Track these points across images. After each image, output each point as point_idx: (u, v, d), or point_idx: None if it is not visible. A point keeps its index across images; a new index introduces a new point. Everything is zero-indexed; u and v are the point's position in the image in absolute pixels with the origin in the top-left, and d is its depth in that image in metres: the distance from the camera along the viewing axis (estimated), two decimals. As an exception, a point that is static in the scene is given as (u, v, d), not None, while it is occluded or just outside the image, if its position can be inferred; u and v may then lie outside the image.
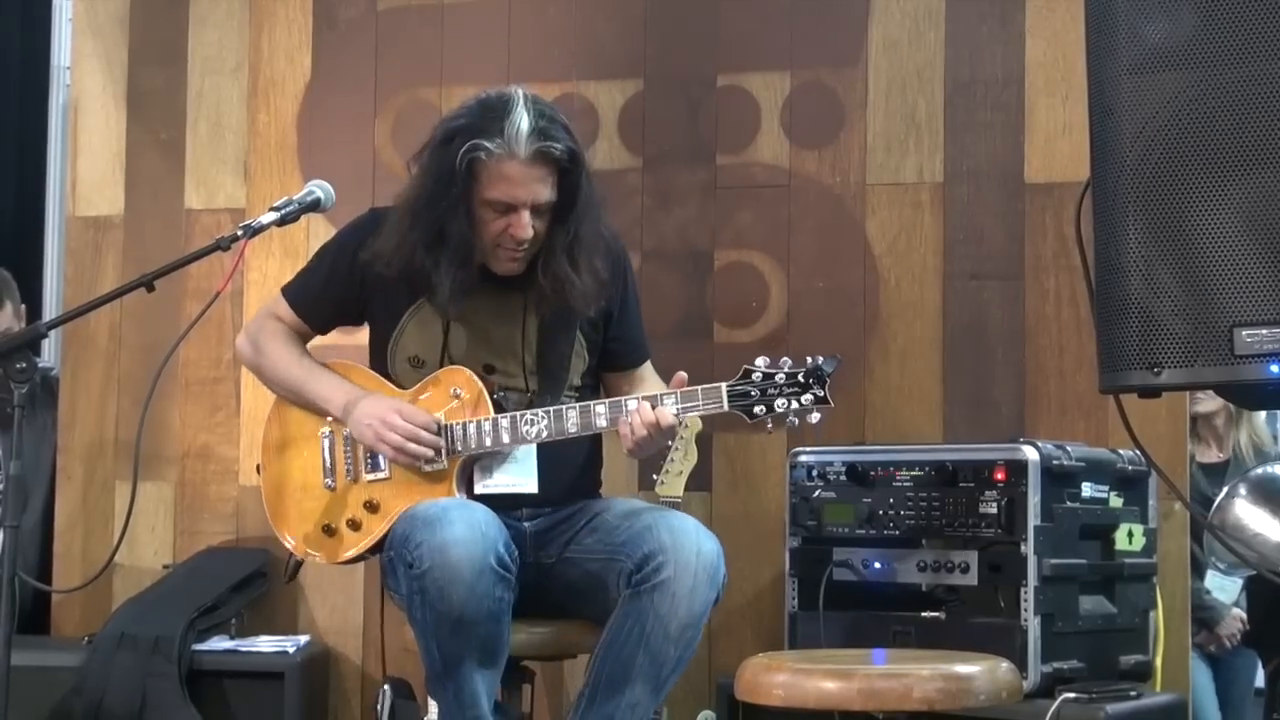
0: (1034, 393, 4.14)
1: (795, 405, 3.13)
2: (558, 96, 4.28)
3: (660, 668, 3.14)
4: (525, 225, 3.31)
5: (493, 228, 3.33)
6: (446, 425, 3.38)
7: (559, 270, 3.36)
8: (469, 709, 3.17)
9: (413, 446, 3.36)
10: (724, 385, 3.16)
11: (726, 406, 3.16)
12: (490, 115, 3.27)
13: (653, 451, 3.34)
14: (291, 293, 3.66)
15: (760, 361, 3.16)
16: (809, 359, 3.14)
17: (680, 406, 3.21)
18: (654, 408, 3.21)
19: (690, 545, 3.15)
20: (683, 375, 3.25)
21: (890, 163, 4.29)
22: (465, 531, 3.08)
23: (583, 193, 3.36)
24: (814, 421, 3.13)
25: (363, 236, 3.48)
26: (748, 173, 4.39)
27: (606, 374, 3.62)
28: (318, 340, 3.76)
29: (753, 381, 3.15)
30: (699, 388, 3.19)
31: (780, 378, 3.15)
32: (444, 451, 3.37)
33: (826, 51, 4.35)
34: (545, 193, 3.31)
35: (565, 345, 3.47)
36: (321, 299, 3.61)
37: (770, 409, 3.14)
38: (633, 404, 3.24)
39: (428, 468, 3.38)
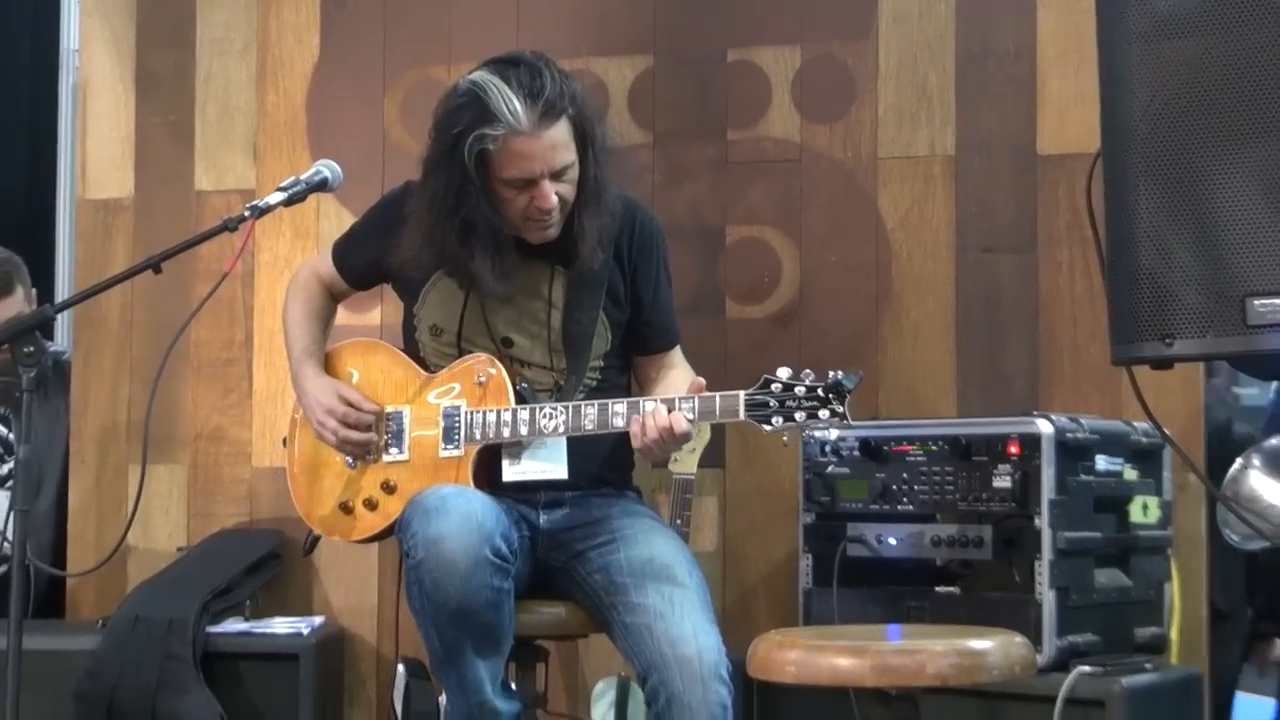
0: (1048, 366, 4.12)
1: (811, 419, 3.09)
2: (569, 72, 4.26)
3: None
4: (548, 195, 3.28)
5: (517, 204, 3.31)
6: (466, 412, 3.36)
7: (579, 225, 3.35)
8: (473, 694, 3.16)
9: (346, 448, 3.46)
10: (742, 394, 3.12)
11: (743, 416, 3.13)
12: (476, 106, 3.23)
13: (663, 456, 3.30)
14: (335, 247, 3.72)
15: (782, 373, 3.11)
16: (830, 374, 3.09)
17: (696, 414, 3.18)
18: (670, 412, 3.17)
19: (690, 652, 3.09)
20: (701, 381, 3.22)
21: (902, 136, 4.27)
22: (460, 523, 3.07)
23: (596, 135, 3.33)
24: (832, 438, 3.11)
25: (404, 200, 3.48)
26: (759, 148, 4.37)
27: (636, 356, 3.60)
28: (337, 319, 3.80)
29: (772, 393, 3.10)
30: (717, 395, 3.16)
31: (800, 390, 3.09)
32: (460, 433, 3.36)
33: (837, 24, 4.32)
34: (562, 156, 3.28)
35: (589, 320, 3.45)
36: (357, 253, 3.64)
37: (788, 420, 3.10)
38: (649, 406, 3.21)
39: (444, 451, 3.37)
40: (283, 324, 3.71)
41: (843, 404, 3.07)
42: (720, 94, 4.40)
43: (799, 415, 3.08)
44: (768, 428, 3.11)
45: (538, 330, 3.45)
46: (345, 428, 3.45)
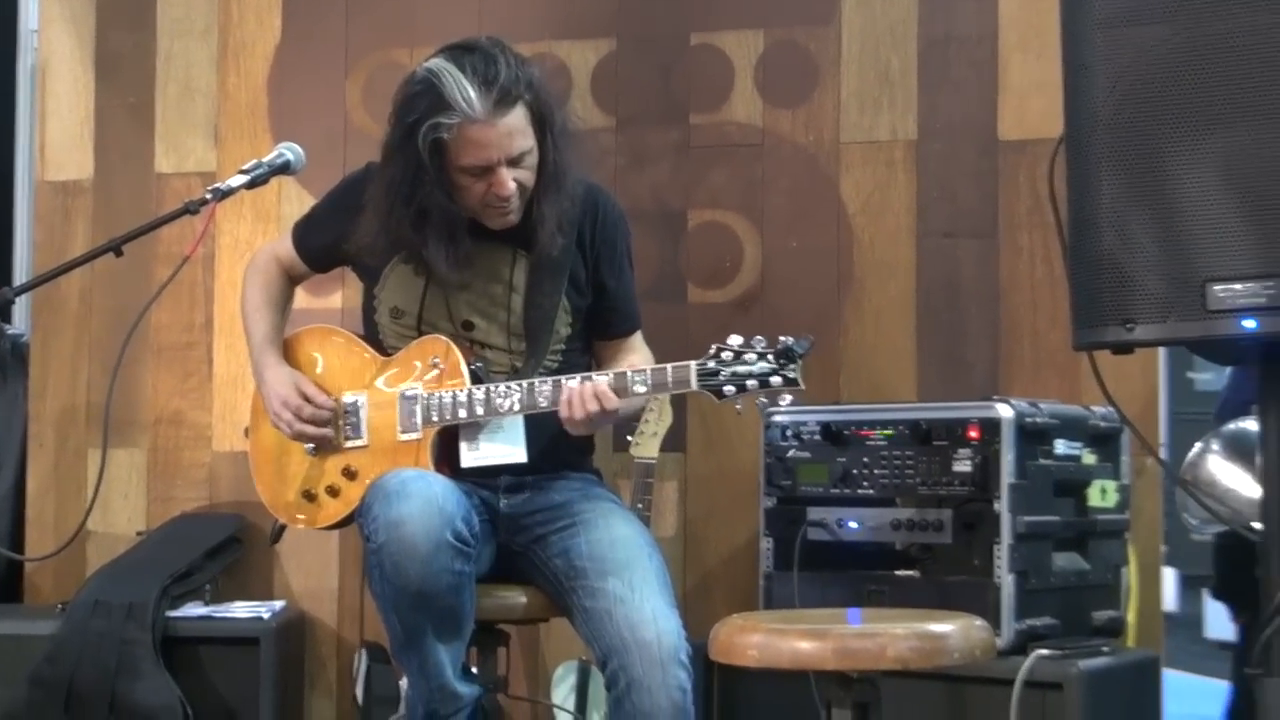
0: (1008, 350, 4.14)
1: (764, 386, 3.09)
2: (529, 57, 4.24)
3: None
4: (505, 182, 3.28)
5: (474, 191, 3.31)
6: (423, 395, 3.36)
7: (539, 211, 3.34)
8: (433, 678, 3.16)
9: (303, 439, 3.44)
10: (693, 364, 3.11)
11: (695, 386, 3.11)
12: (431, 94, 3.22)
13: (590, 430, 3.28)
14: (295, 226, 3.70)
15: (732, 340, 3.09)
16: (780, 339, 3.07)
17: (649, 386, 3.18)
18: (601, 385, 3.18)
19: (650, 637, 3.09)
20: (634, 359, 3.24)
21: (864, 121, 4.28)
22: (421, 507, 3.06)
23: (555, 119, 3.32)
24: (784, 404, 3.10)
25: (365, 183, 3.46)
26: (721, 132, 4.37)
27: (596, 341, 3.59)
28: (296, 303, 3.77)
29: (723, 361, 3.09)
30: (668, 366, 3.14)
31: (751, 358, 3.07)
32: (418, 416, 3.36)
33: (799, 9, 4.33)
34: (519, 143, 3.27)
35: (551, 305, 3.44)
36: (317, 235, 3.62)
37: (740, 389, 3.09)
38: (574, 382, 3.21)
39: (403, 435, 3.37)
40: (241, 309, 3.69)
41: (794, 369, 3.06)
42: (683, 78, 4.41)
43: (751, 383, 3.08)
44: (720, 398, 3.09)
45: (498, 314, 3.44)
46: (300, 421, 3.44)
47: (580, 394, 3.19)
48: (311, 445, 3.49)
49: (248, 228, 4.60)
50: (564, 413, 3.21)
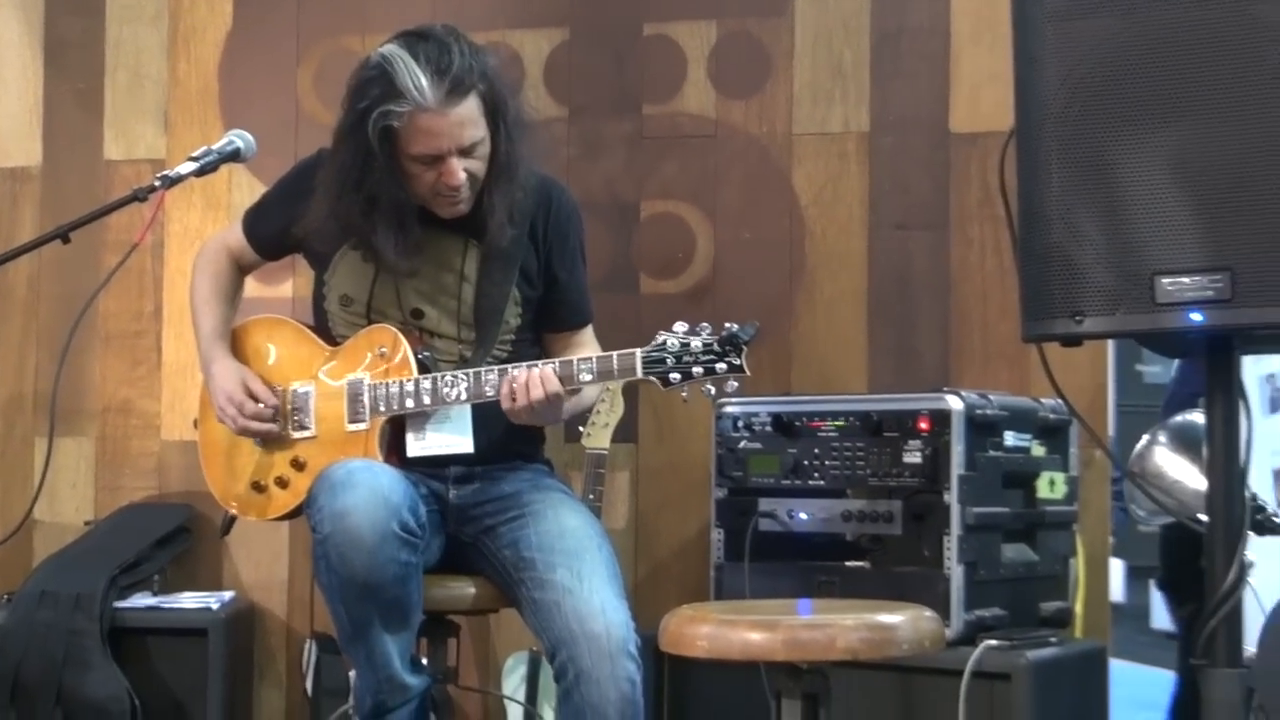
0: (958, 342, 4.15)
1: (709, 373, 3.08)
2: (481, 45, 4.23)
3: None
4: (455, 172, 3.26)
5: (425, 179, 3.29)
6: (369, 385, 3.34)
7: (489, 201, 3.33)
8: (381, 669, 3.15)
9: (248, 434, 3.43)
10: (639, 352, 3.10)
11: (641, 374, 3.10)
12: (383, 81, 3.20)
13: (533, 421, 3.26)
14: (246, 214, 3.67)
15: (678, 327, 3.09)
16: (726, 326, 3.07)
17: (595, 374, 3.17)
18: (546, 371, 3.17)
19: (598, 629, 3.09)
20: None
21: (816, 113, 4.28)
22: (366, 497, 3.04)
23: (508, 109, 3.31)
24: (730, 390, 3.09)
25: (316, 169, 3.43)
26: (674, 123, 4.37)
27: (546, 334, 3.58)
28: (247, 292, 3.76)
29: (668, 349, 3.08)
30: (614, 354, 3.14)
31: (696, 345, 3.07)
32: (365, 406, 3.35)
33: (753, 1, 4.33)
34: (470, 133, 3.25)
35: (501, 295, 3.42)
36: (268, 222, 3.59)
37: (686, 376, 3.09)
38: (520, 371, 3.20)
39: (350, 426, 3.35)
40: (190, 301, 3.66)
41: (739, 355, 3.05)
42: (636, 68, 4.40)
43: (697, 370, 3.07)
44: (667, 385, 3.09)
45: (448, 302, 3.43)
46: (243, 417, 3.42)
47: (524, 381, 3.18)
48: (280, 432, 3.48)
49: (197, 215, 4.58)
50: (505, 403, 3.21)
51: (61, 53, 4.72)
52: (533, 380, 3.17)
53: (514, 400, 3.18)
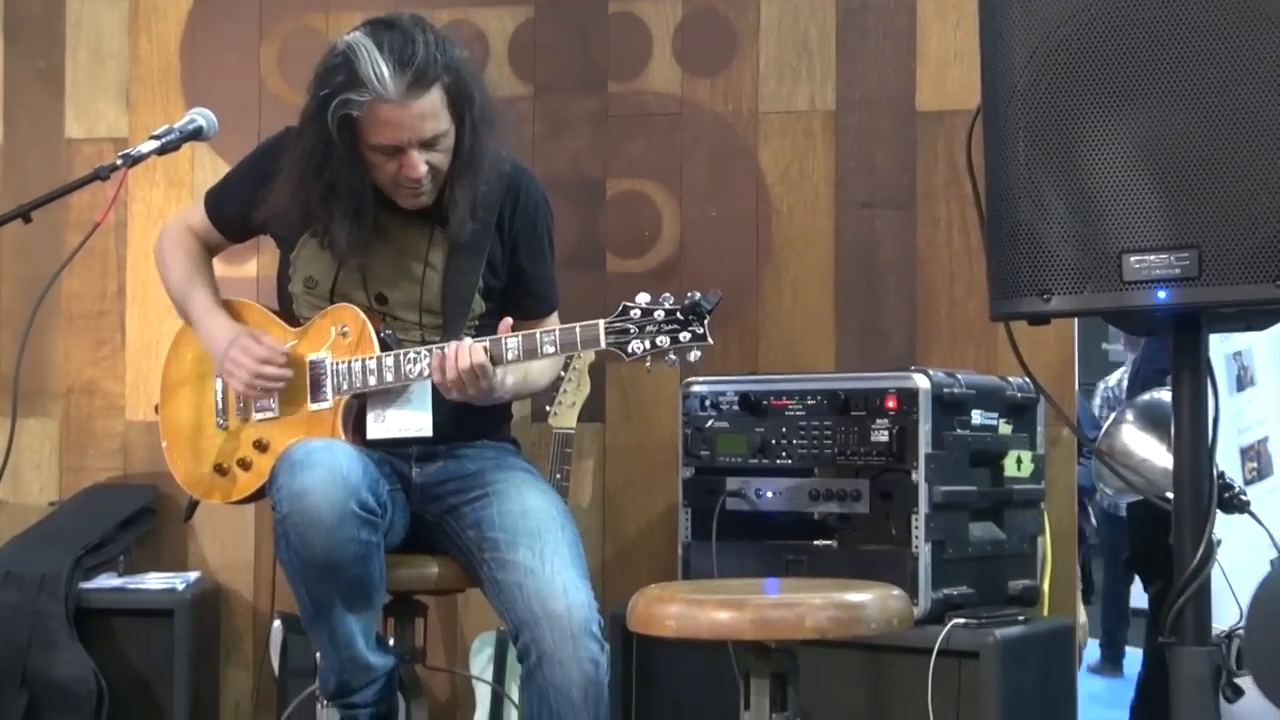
0: (925, 321, 4.15)
1: (673, 342, 3.08)
2: (446, 23, 4.22)
3: None
4: (415, 164, 3.24)
5: (386, 170, 3.27)
6: (332, 364, 3.33)
7: (451, 195, 3.31)
8: (344, 649, 3.15)
9: (259, 382, 3.35)
10: (601, 322, 3.09)
11: (604, 344, 3.09)
12: (346, 69, 3.17)
13: (468, 399, 3.22)
14: (208, 198, 3.64)
15: (641, 298, 3.08)
16: (689, 295, 3.06)
17: (559, 346, 3.16)
18: (475, 347, 3.15)
19: (560, 609, 3.09)
20: (507, 322, 3.21)
21: (782, 90, 4.27)
22: (325, 477, 3.03)
23: (474, 102, 3.28)
24: (693, 359, 3.08)
25: (281, 149, 3.41)
26: (639, 101, 4.36)
27: (511, 320, 3.56)
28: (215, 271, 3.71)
29: (631, 319, 3.07)
30: (577, 325, 3.13)
31: (659, 314, 3.06)
32: (328, 385, 3.33)
33: (718, -23, 4.32)
34: (432, 125, 3.23)
35: (469, 285, 3.40)
36: (232, 203, 3.56)
37: (650, 346, 3.07)
38: (450, 346, 3.18)
39: (314, 405, 3.33)
40: (169, 287, 3.61)
41: (702, 324, 3.05)
42: (601, 46, 4.38)
43: (660, 339, 3.07)
44: (629, 355, 3.07)
45: (412, 289, 3.41)
46: (271, 380, 3.36)
47: (452, 352, 3.16)
48: (223, 419, 3.46)
49: (160, 194, 4.54)
50: (436, 376, 3.19)
51: (21, 30, 4.68)
52: (461, 352, 3.16)
53: (444, 374, 3.17)
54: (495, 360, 3.17)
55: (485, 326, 3.43)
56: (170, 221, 3.74)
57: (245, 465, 3.42)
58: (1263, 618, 2.53)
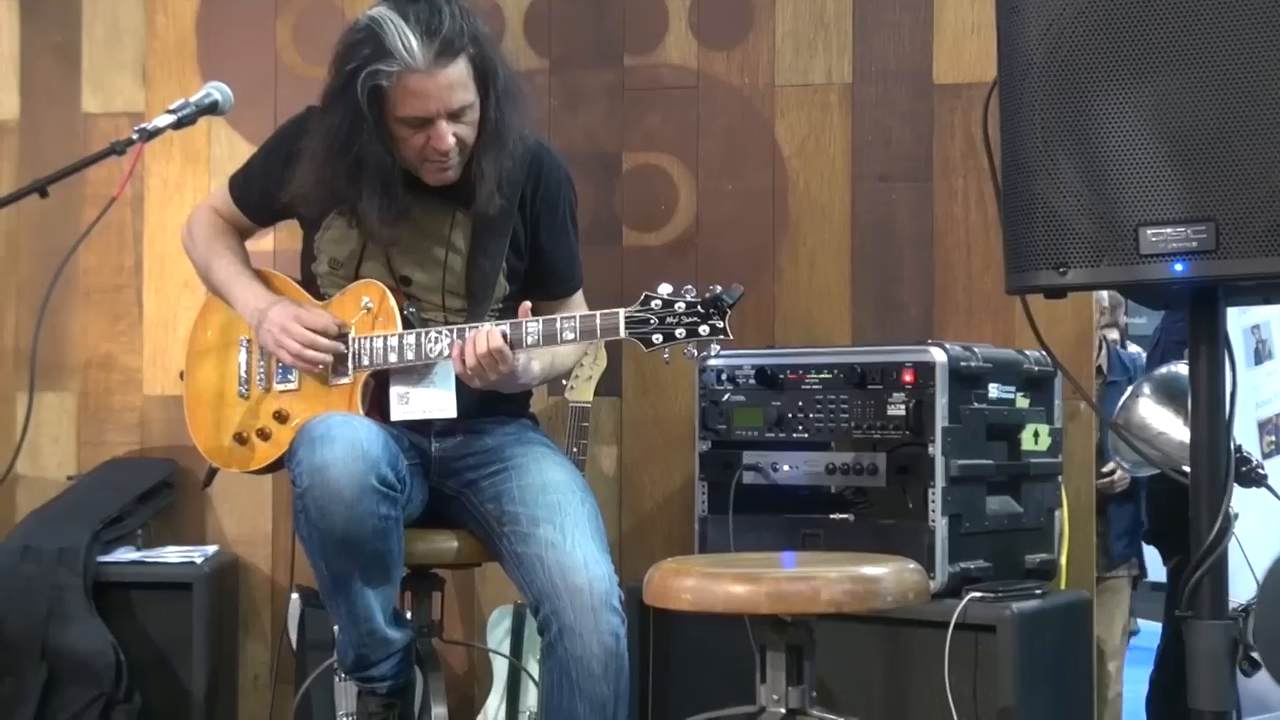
0: (942, 294, 4.14)
1: (692, 335, 3.07)
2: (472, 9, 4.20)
3: (603, 708, 3.10)
4: (444, 135, 3.23)
5: (413, 143, 3.26)
6: (354, 338, 3.33)
7: (478, 168, 3.30)
8: (362, 623, 3.16)
9: (310, 353, 3.31)
10: (622, 312, 3.09)
11: (623, 334, 3.09)
12: (372, 42, 3.16)
13: (492, 385, 3.22)
14: (232, 182, 3.63)
15: (663, 289, 3.07)
16: (710, 289, 3.05)
17: (578, 334, 3.15)
18: (494, 332, 3.14)
19: (581, 582, 3.09)
20: (526, 306, 3.19)
21: (799, 63, 4.26)
22: (345, 451, 3.03)
23: (499, 75, 3.28)
24: (713, 353, 3.07)
25: (303, 129, 3.41)
26: (656, 74, 4.35)
27: (535, 300, 3.55)
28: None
29: (652, 310, 3.06)
30: (597, 314, 3.12)
31: (680, 306, 3.05)
32: (349, 361, 3.33)
33: (735, -50, 4.31)
34: (460, 96, 3.23)
35: (493, 267, 3.40)
36: (257, 189, 3.56)
37: (668, 338, 3.06)
38: (468, 332, 3.17)
39: (334, 379, 3.34)
40: (204, 271, 3.58)
41: (723, 319, 3.04)
42: (617, 19, 4.37)
43: (679, 332, 3.06)
44: (649, 346, 3.07)
45: (437, 272, 3.40)
46: (317, 350, 3.34)
47: (471, 338, 3.16)
48: (244, 388, 3.46)
49: (176, 169, 4.54)
50: (457, 365, 3.19)
51: (39, 5, 4.68)
52: (479, 337, 3.15)
53: (464, 363, 3.17)
54: (514, 345, 3.16)
55: (510, 309, 3.41)
56: (196, 209, 3.73)
57: (264, 435, 3.43)
58: (1275, 599, 2.53)
